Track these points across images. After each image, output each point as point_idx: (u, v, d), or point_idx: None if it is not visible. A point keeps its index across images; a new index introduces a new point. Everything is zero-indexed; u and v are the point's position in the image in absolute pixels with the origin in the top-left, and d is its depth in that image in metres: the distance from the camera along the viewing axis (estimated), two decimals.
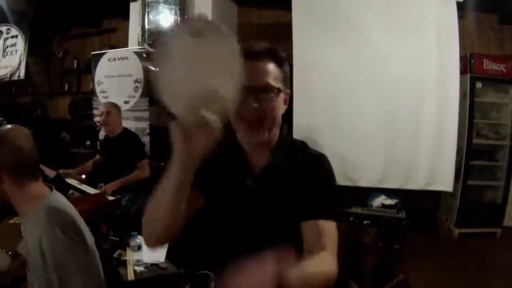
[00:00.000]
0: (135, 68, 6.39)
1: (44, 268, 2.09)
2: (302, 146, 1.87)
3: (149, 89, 6.27)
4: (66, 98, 8.66)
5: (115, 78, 6.61)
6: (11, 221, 3.25)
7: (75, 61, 8.61)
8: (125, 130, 5.27)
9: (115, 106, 5.21)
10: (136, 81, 6.38)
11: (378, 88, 4.88)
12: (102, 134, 5.91)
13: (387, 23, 4.87)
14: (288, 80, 1.79)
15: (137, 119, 6.26)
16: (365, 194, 5.07)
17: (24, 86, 8.70)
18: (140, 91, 6.37)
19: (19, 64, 7.90)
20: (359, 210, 4.82)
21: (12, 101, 8.91)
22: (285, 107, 1.80)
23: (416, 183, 4.97)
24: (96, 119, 6.57)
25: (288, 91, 1.80)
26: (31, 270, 2.23)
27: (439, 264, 5.32)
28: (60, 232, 2.10)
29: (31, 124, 8.07)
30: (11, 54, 8.06)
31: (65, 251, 2.10)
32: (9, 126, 2.34)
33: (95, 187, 4.67)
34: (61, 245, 2.09)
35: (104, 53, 6.86)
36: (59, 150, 7.49)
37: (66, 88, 8.74)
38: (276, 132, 1.80)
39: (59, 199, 2.31)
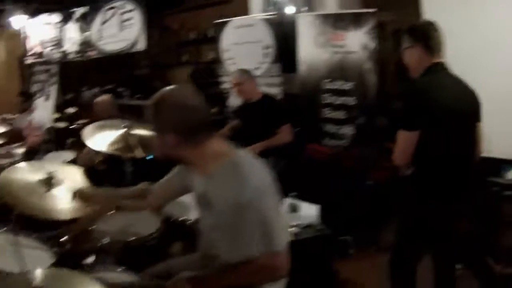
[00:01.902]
0: (264, 35, 6.39)
1: (237, 223, 2.11)
2: None
3: (280, 55, 6.30)
4: (184, 68, 8.85)
5: (243, 45, 6.64)
6: None
7: (192, 32, 8.76)
8: (265, 95, 5.26)
9: (246, 73, 5.21)
10: (265, 47, 6.38)
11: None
12: (235, 101, 6.00)
13: None
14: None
15: (269, 85, 6.23)
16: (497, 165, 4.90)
17: (142, 58, 8.92)
18: (270, 57, 6.36)
19: (137, 37, 8.09)
20: (500, 180, 4.68)
21: (131, 74, 9.15)
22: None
23: None
24: (225, 86, 6.70)
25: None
26: (217, 229, 2.25)
27: None
28: (256, 186, 2.10)
29: (151, 95, 8.33)
30: (128, 28, 8.27)
31: (264, 204, 2.11)
32: (172, 87, 2.37)
33: None
34: (259, 198, 2.09)
35: (229, 21, 6.87)
36: None
37: (184, 59, 8.93)
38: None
39: (248, 157, 2.29)
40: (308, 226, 3.73)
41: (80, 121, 7.64)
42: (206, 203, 2.27)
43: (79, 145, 6.04)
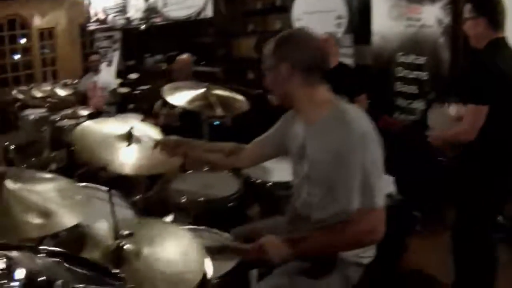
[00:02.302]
0: (336, 4, 6.21)
1: (337, 173, 2.02)
2: None
3: (353, 26, 6.15)
4: (250, 38, 8.74)
5: (314, 14, 6.48)
6: None
7: (259, 1, 8.62)
8: (341, 64, 5.12)
9: (332, 37, 5.08)
10: (338, 17, 6.21)
11: None
12: None
13: None
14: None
15: (341, 56, 5.85)
16: None
17: (206, 26, 8.87)
18: (343, 27, 6.18)
19: (204, 4, 8.02)
20: None
21: (195, 41, 9.11)
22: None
23: None
24: None
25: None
26: (313, 182, 2.17)
27: None
28: (362, 133, 2.01)
29: (216, 62, 8.41)
30: None
31: (368, 153, 2.00)
32: (301, 28, 2.34)
33: None
34: (364, 146, 1.99)
35: None
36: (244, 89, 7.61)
37: (250, 28, 8.82)
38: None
39: (353, 107, 2.20)
40: (388, 195, 3.58)
41: (142, 87, 7.68)
42: (303, 155, 2.20)
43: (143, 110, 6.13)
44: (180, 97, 3.64)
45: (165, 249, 2.00)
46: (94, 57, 7.64)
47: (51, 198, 1.90)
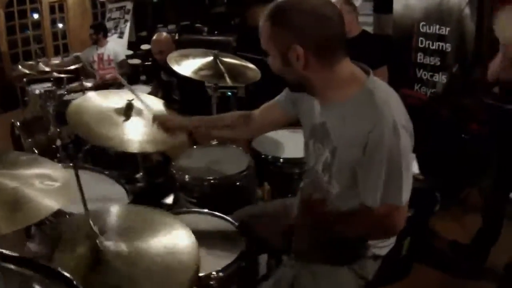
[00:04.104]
0: None
1: (363, 163, 1.73)
2: None
3: None
4: (263, 6, 8.47)
5: None
6: None
7: None
8: (364, 32, 4.83)
9: (347, 3, 4.72)
10: None
11: None
12: None
13: None
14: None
15: (360, 24, 5.69)
16: None
17: None
18: None
19: None
20: None
21: (208, 11, 8.93)
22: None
23: None
24: None
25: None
26: (333, 167, 1.87)
27: None
28: (393, 120, 1.66)
29: (230, 32, 8.19)
30: None
31: (398, 143, 1.66)
32: None
33: None
34: (394, 135, 1.66)
35: None
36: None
37: None
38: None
39: (383, 85, 1.83)
40: None
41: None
42: (324, 138, 1.90)
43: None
44: (187, 66, 3.40)
45: (150, 242, 1.73)
46: (90, 31, 7.53)
47: (29, 185, 1.69)
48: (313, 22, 1.69)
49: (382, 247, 2.03)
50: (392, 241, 2.08)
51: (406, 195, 1.76)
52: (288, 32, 1.71)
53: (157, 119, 2.47)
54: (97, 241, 1.61)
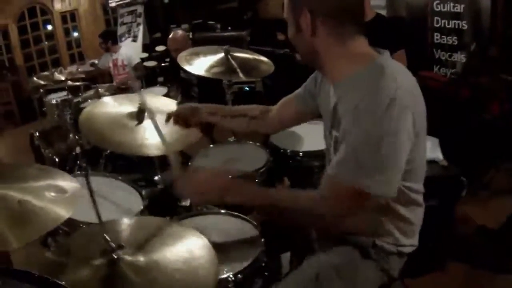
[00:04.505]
0: None
1: (368, 147, 1.55)
2: None
3: None
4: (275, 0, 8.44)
5: None
6: None
7: None
8: (378, 15, 4.68)
9: None
10: None
11: None
12: None
13: None
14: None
15: (372, 7, 5.60)
16: None
17: None
18: None
19: None
20: None
21: (221, 7, 8.90)
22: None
23: None
24: None
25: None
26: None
27: None
28: (391, 100, 1.51)
29: (243, 27, 8.15)
30: None
31: (382, 122, 1.51)
32: None
33: None
34: (383, 113, 1.51)
35: None
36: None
37: None
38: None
39: (397, 64, 1.71)
40: (433, 162, 3.28)
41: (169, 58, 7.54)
42: (335, 120, 1.79)
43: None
44: (199, 65, 3.34)
45: (167, 254, 1.66)
46: (99, 41, 7.78)
47: (38, 197, 1.66)
48: None
49: (405, 245, 1.90)
50: (414, 241, 1.95)
51: (369, 182, 1.56)
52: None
53: (172, 114, 2.42)
54: (113, 255, 1.56)
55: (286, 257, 2.50)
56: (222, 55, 3.33)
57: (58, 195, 1.70)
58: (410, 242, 1.92)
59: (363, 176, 1.56)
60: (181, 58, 3.37)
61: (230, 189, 1.83)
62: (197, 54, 3.43)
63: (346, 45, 1.70)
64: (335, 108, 1.79)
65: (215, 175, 1.88)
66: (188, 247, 1.70)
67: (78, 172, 2.88)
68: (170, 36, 5.67)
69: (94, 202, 1.61)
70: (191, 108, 2.42)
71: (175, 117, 2.40)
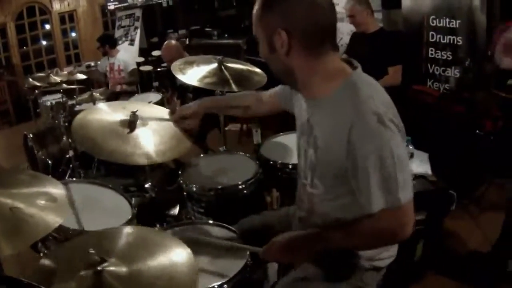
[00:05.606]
0: None
1: (350, 165, 1.63)
2: None
3: None
4: None
5: None
6: None
7: None
8: (382, 29, 4.83)
9: (358, 3, 4.70)
10: None
11: None
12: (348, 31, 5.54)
13: None
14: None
15: None
16: None
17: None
18: None
19: None
20: None
21: (219, 14, 8.93)
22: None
23: None
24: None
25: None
26: (321, 164, 1.80)
27: None
28: (376, 121, 1.57)
29: (240, 35, 8.17)
30: None
31: (385, 138, 1.57)
32: None
33: None
34: (381, 130, 1.56)
35: None
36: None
37: None
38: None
39: (369, 79, 1.74)
40: (421, 177, 3.30)
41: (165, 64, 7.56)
42: (310, 135, 1.84)
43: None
44: (192, 74, 3.35)
45: (149, 263, 1.67)
46: (96, 45, 7.84)
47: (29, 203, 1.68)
48: (301, 7, 1.64)
49: (382, 259, 1.95)
50: (392, 253, 1.99)
51: (406, 193, 1.61)
52: (275, 16, 1.67)
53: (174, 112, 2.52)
54: (98, 267, 1.56)
55: (273, 266, 2.52)
56: (215, 65, 3.34)
57: (48, 203, 1.71)
58: (385, 255, 1.95)
59: (396, 192, 1.60)
60: (175, 67, 3.38)
61: (300, 249, 1.85)
62: (190, 64, 3.43)
63: (321, 62, 1.72)
64: (308, 123, 1.85)
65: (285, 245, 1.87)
66: (169, 257, 1.71)
67: (69, 178, 2.87)
68: (164, 46, 5.70)
69: (76, 213, 1.63)
70: (191, 108, 2.51)
71: (177, 118, 2.49)
